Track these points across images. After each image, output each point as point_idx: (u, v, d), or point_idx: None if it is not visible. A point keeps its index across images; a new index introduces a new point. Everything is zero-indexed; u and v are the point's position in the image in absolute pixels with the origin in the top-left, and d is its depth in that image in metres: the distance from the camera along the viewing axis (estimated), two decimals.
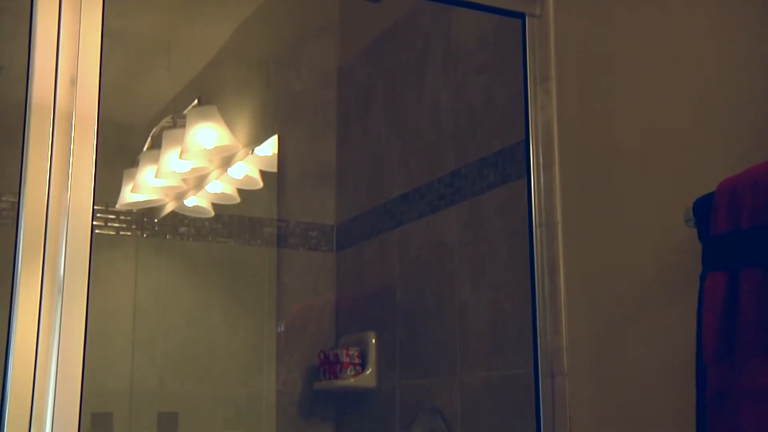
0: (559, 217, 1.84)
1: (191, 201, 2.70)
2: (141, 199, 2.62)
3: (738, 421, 1.20)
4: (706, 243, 1.31)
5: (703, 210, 1.35)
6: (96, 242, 2.46)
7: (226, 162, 2.64)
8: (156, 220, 2.64)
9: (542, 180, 1.88)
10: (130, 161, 2.65)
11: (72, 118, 1.45)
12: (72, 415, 1.46)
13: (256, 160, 2.71)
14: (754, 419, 1.18)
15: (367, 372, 2.50)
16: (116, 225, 2.56)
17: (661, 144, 1.62)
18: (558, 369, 1.80)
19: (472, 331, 2.13)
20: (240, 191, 2.72)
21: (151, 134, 2.66)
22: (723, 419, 1.23)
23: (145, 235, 2.61)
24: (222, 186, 2.70)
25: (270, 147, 2.73)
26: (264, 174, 2.72)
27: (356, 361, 2.51)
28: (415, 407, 2.32)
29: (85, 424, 2.38)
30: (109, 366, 2.48)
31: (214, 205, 2.71)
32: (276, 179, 2.74)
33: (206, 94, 2.63)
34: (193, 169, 2.61)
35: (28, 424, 1.41)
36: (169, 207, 2.66)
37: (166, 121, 2.66)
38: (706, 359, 1.27)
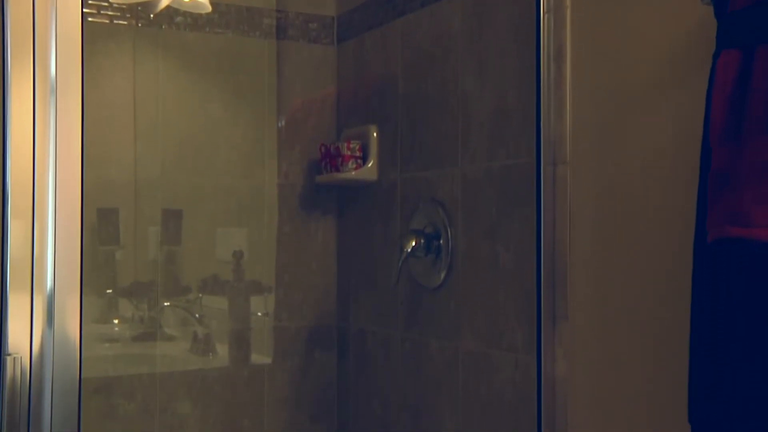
0: (568, 2, 1.78)
1: None
2: None
3: (740, 200, 1.20)
4: (722, 20, 1.27)
5: None
6: (90, 32, 2.41)
7: None
8: (152, 16, 2.56)
9: None
10: None
11: None
12: (74, 210, 1.45)
13: None
14: (756, 197, 1.18)
15: (369, 165, 2.51)
16: (110, 13, 2.48)
17: None
18: (560, 157, 1.79)
19: (474, 122, 2.12)
20: None
21: None
22: (725, 199, 1.23)
23: (140, 25, 2.54)
24: None
25: None
26: None
27: (357, 154, 2.51)
28: (416, 199, 2.34)
29: (90, 220, 2.44)
30: (111, 158, 2.48)
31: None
32: None
33: None
34: None
35: (30, 225, 1.41)
36: (165, 1, 2.57)
37: None
38: (712, 140, 1.26)
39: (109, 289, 2.52)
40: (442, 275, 2.22)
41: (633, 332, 1.63)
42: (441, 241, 2.22)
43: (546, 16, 1.82)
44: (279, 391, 2.66)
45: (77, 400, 1.48)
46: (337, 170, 2.53)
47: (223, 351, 2.65)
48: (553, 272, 1.79)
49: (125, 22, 2.51)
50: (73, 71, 1.44)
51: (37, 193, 1.42)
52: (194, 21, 2.61)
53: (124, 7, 2.50)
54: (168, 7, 2.57)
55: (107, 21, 2.49)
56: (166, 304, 2.56)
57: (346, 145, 2.50)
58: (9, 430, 1.41)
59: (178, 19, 2.58)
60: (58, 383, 1.46)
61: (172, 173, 2.57)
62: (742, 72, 1.21)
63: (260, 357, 2.67)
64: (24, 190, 1.41)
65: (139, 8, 2.54)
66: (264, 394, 2.64)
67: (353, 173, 2.51)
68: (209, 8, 2.60)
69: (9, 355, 1.42)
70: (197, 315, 2.61)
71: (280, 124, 2.70)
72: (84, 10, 1.51)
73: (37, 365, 1.44)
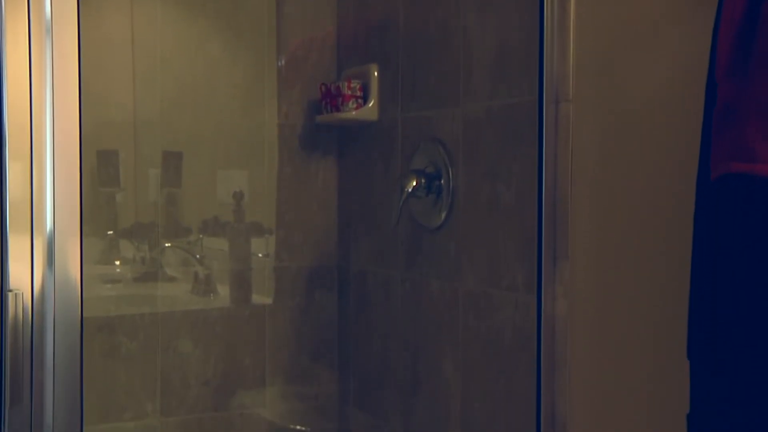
0: None
1: None
2: None
3: (745, 136, 1.19)
4: None
5: None
6: None
7: None
8: None
9: None
10: None
11: None
12: (72, 152, 1.44)
13: None
14: (761, 133, 1.17)
15: (369, 104, 2.49)
16: None
17: None
18: (563, 95, 1.77)
19: (476, 60, 2.09)
20: None
21: None
22: (730, 135, 1.22)
23: None
24: None
25: None
26: None
27: (358, 93, 2.49)
28: (417, 139, 2.32)
29: (90, 161, 2.43)
30: (110, 99, 2.46)
31: None
32: None
33: None
34: None
35: (29, 167, 1.40)
36: None
37: None
38: (718, 75, 1.24)
39: (109, 230, 2.52)
40: (443, 215, 2.22)
41: (634, 270, 1.63)
42: (442, 181, 2.21)
43: None
44: (280, 331, 2.67)
45: (79, 338, 1.49)
46: (338, 110, 2.52)
47: (224, 291, 2.66)
48: (555, 211, 1.79)
49: None
50: (69, 10, 1.42)
51: (34, 135, 1.41)
52: None
53: None
54: None
55: None
56: (167, 245, 2.56)
57: (346, 84, 2.48)
58: (12, 366, 1.42)
59: None
60: (60, 321, 1.47)
61: (171, 114, 2.55)
62: (751, 5, 1.19)
63: (261, 297, 2.68)
64: (21, 132, 1.40)
65: None
66: (265, 334, 2.65)
67: (354, 113, 2.49)
68: None
69: (11, 291, 1.43)
70: (198, 256, 2.62)
71: (280, 64, 2.67)
72: None
73: (39, 303, 1.45)
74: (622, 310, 1.66)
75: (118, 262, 2.54)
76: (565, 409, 1.76)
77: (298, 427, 2.72)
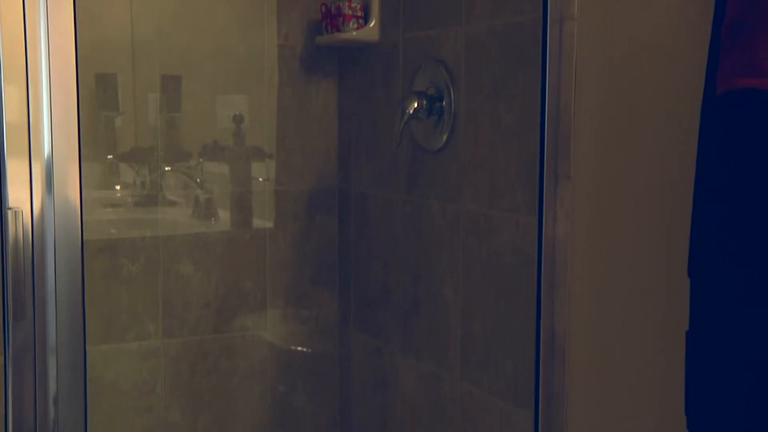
0: None
1: None
2: None
3: (753, 51, 1.17)
4: None
5: None
6: None
7: None
8: None
9: None
10: None
11: None
12: (68, 74, 1.42)
13: None
14: None
15: (370, 24, 2.45)
16: None
17: None
18: (567, 13, 1.74)
19: None
20: None
21: None
22: (738, 50, 1.20)
23: None
24: None
25: None
26: None
27: (359, 13, 2.45)
28: (418, 60, 2.29)
29: (89, 85, 2.40)
30: (106, 19, 2.42)
31: None
32: None
33: None
34: None
35: (25, 90, 1.38)
36: None
37: None
38: None
39: (109, 154, 2.50)
40: (444, 137, 2.20)
41: (636, 191, 1.63)
42: (443, 103, 2.19)
43: None
44: (280, 255, 2.68)
45: (80, 259, 1.49)
46: (338, 30, 2.48)
47: (224, 215, 2.66)
48: (557, 132, 1.77)
49: None
50: None
51: (29, 57, 1.39)
52: None
53: None
54: None
55: None
56: (167, 169, 2.55)
57: (347, 4, 2.44)
58: (14, 282, 1.43)
59: None
60: (60, 242, 1.47)
61: (169, 35, 2.51)
62: None
63: (261, 221, 2.68)
64: (16, 54, 1.38)
65: None
66: (266, 258, 2.66)
67: (354, 33, 2.45)
68: None
69: (10, 209, 1.43)
70: (198, 180, 2.61)
71: None
72: None
73: (39, 224, 1.45)
74: (623, 231, 1.65)
75: (118, 187, 2.54)
76: (565, 329, 1.77)
77: (299, 349, 2.74)
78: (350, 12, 2.43)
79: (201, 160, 2.62)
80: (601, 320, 1.70)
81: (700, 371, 1.29)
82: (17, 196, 1.42)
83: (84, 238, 1.48)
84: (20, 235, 1.43)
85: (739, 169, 1.22)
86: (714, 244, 1.26)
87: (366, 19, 2.45)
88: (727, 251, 1.24)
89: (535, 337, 1.81)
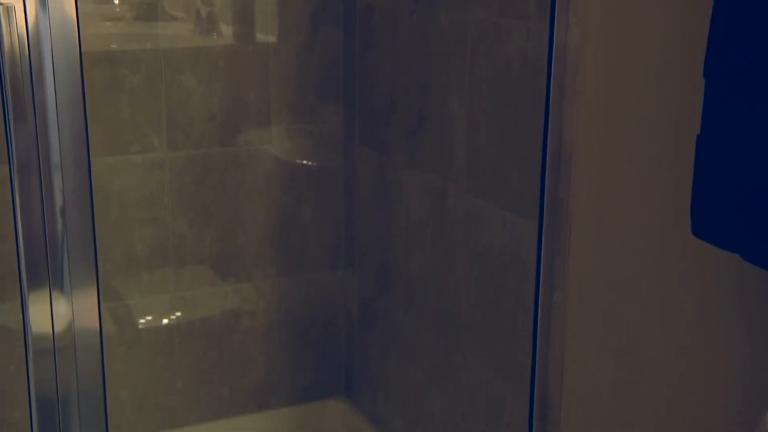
0: None
1: None
2: None
3: None
4: None
5: None
6: None
7: None
8: None
9: None
10: None
11: None
12: None
13: None
14: None
15: None
16: None
17: None
18: None
19: None
20: None
21: None
22: None
23: None
24: None
25: None
26: None
27: None
28: None
29: None
30: None
31: None
32: None
33: None
34: None
35: None
36: None
37: None
38: None
39: None
40: None
41: None
42: None
43: None
44: (284, 68, 2.63)
45: (79, 66, 1.46)
46: None
47: (227, 30, 2.59)
48: None
49: None
50: None
51: None
52: None
53: None
54: None
55: None
56: None
57: None
58: (12, 79, 1.41)
59: None
60: (58, 48, 1.44)
61: None
62: None
63: (265, 35, 2.62)
64: None
65: None
66: (269, 71, 2.61)
67: None
68: None
69: (1, 4, 1.38)
70: None
71: None
72: None
73: (34, 27, 1.41)
74: (636, 38, 1.60)
75: (117, 2, 2.47)
76: (572, 138, 1.75)
77: (305, 162, 2.74)
78: None
79: None
80: (610, 130, 1.68)
81: (706, 173, 1.28)
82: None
83: (83, 49, 1.44)
84: (14, 34, 1.40)
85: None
86: (733, 41, 1.22)
87: None
88: (748, 46, 1.20)
89: (541, 147, 1.80)
